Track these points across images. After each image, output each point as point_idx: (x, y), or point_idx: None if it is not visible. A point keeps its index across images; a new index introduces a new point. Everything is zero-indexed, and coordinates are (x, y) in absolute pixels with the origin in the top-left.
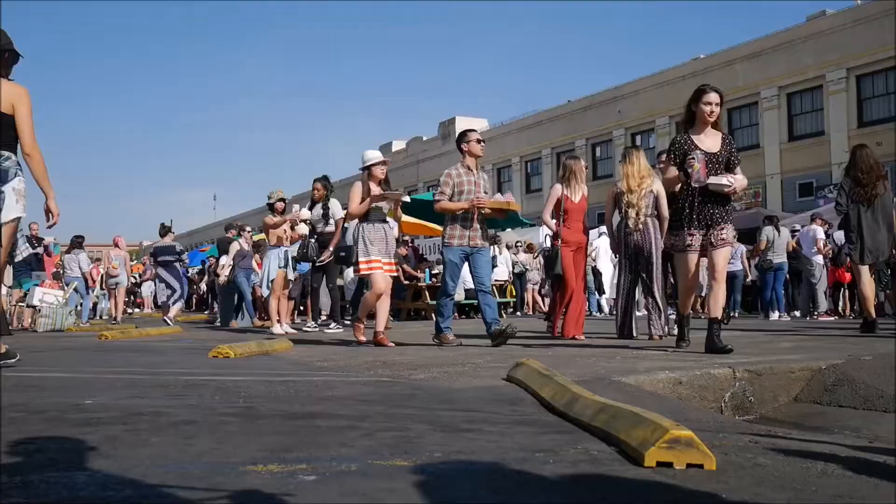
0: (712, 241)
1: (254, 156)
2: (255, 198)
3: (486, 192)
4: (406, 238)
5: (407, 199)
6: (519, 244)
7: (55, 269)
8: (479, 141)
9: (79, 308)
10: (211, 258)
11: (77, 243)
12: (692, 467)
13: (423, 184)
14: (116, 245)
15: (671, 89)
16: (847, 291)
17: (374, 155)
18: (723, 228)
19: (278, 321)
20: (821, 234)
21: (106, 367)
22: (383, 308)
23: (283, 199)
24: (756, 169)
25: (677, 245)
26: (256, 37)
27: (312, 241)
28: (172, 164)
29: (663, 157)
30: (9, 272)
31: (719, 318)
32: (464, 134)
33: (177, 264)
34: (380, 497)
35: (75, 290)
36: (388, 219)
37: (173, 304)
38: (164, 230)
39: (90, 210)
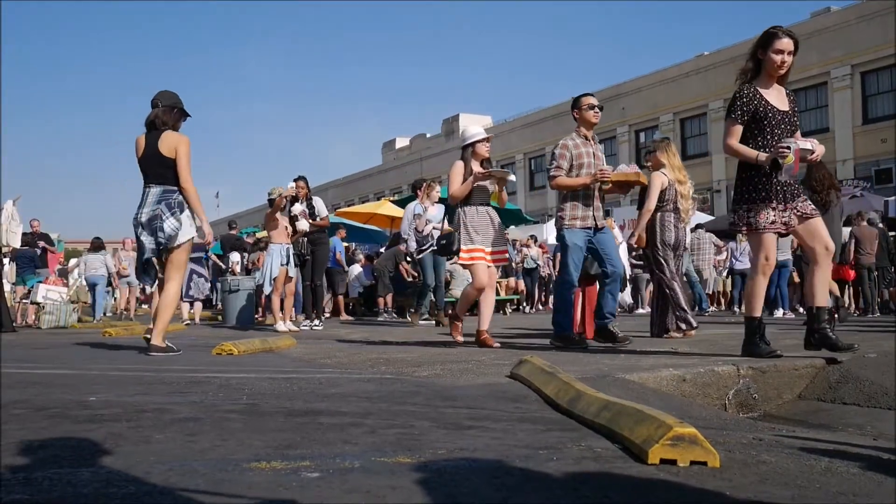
0: (804, 211)
1: (256, 154)
2: (258, 196)
3: (608, 166)
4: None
5: (513, 177)
6: (532, 239)
7: (59, 266)
8: (591, 107)
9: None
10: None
11: (98, 245)
12: (696, 464)
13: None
14: (124, 246)
15: (674, 86)
16: (850, 289)
17: (477, 130)
18: (804, 199)
19: (281, 318)
20: None
21: (110, 364)
22: (488, 304)
23: (287, 197)
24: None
25: (756, 222)
26: (259, 36)
27: (304, 239)
28: None
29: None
30: (12, 269)
31: (828, 306)
32: (576, 100)
33: (204, 259)
34: (383, 494)
35: (94, 286)
36: (491, 202)
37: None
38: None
39: (97, 208)
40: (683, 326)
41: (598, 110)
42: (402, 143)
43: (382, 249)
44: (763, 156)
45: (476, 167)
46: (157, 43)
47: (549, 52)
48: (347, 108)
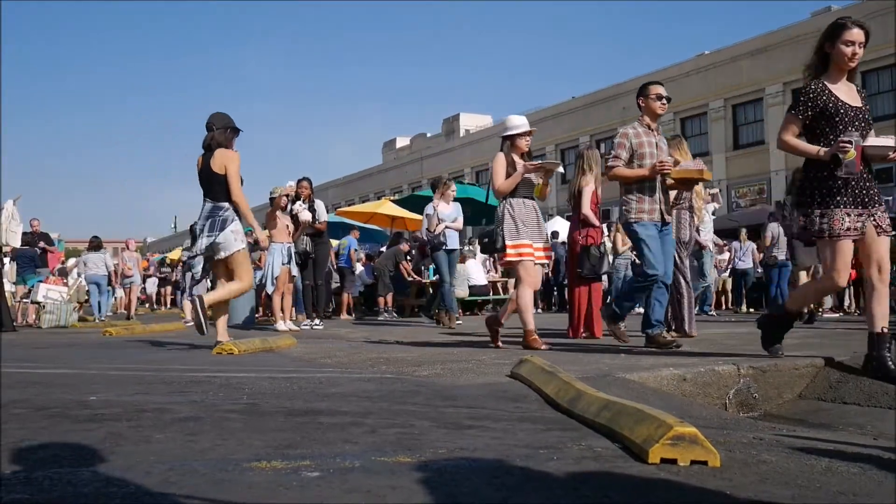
0: (878, 223)
1: (256, 154)
2: (258, 196)
3: (669, 157)
4: (409, 234)
5: (561, 168)
6: None
7: (60, 265)
8: (659, 98)
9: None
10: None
11: (97, 244)
12: (696, 464)
13: (427, 181)
14: (127, 247)
15: (675, 86)
16: (851, 288)
17: (520, 122)
18: (884, 210)
19: (281, 318)
20: None
21: (110, 363)
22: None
23: (286, 195)
24: (761, 165)
25: (831, 228)
26: (259, 36)
27: (306, 237)
28: (176, 162)
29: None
30: (12, 269)
31: (886, 330)
32: (644, 87)
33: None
34: (383, 494)
35: (96, 285)
36: (534, 196)
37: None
38: None
39: (97, 208)
40: (679, 332)
41: (665, 102)
42: (402, 142)
43: (383, 249)
44: (824, 150)
45: (517, 161)
46: (157, 43)
47: (549, 52)
48: (347, 108)
